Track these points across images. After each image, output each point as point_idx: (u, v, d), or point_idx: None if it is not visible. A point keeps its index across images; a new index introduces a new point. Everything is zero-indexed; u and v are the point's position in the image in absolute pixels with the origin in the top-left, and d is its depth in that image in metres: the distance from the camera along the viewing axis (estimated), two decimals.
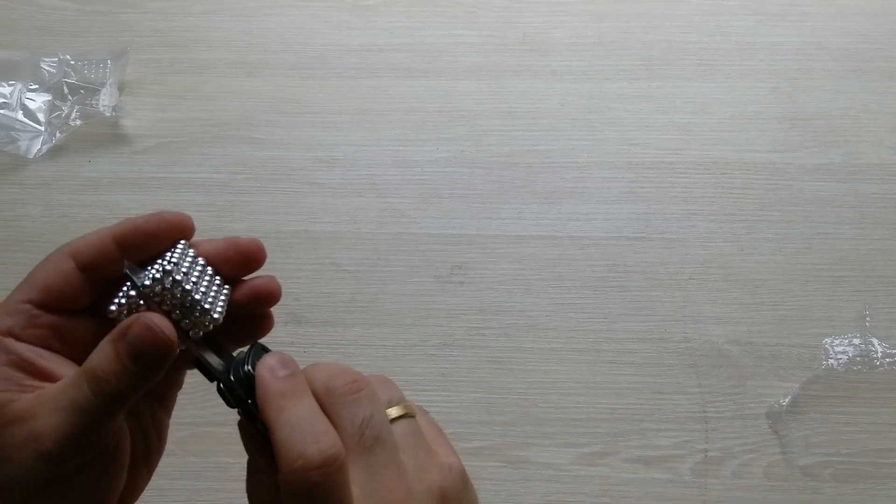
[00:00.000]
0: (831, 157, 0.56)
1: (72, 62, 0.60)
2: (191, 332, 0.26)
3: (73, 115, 0.59)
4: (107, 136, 0.59)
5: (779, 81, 0.59)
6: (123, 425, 0.27)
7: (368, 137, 0.58)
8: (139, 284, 0.25)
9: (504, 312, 0.51)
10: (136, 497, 0.29)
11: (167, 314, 0.25)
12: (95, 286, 0.27)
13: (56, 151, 0.58)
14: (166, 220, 0.26)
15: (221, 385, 0.26)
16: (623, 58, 0.60)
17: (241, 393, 0.25)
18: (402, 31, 0.62)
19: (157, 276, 0.25)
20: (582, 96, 0.59)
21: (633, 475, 0.47)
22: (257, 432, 0.25)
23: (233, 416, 0.29)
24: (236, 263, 0.27)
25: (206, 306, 0.26)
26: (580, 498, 0.46)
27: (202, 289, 0.26)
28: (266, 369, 0.26)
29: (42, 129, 0.58)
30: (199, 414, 0.48)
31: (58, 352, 0.27)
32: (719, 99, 0.58)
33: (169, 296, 0.25)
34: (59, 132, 0.58)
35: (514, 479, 0.47)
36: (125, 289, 0.25)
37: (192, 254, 0.26)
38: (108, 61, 0.60)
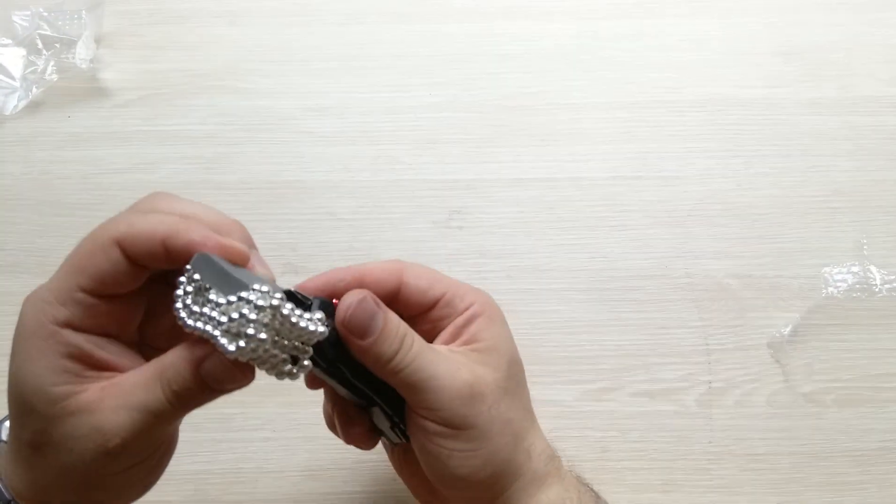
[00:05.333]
0: (825, 91, 0.56)
1: (45, 14, 0.57)
2: (302, 361, 0.27)
3: (49, 70, 0.56)
4: (85, 90, 0.56)
5: (771, 16, 0.58)
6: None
7: (359, 84, 0.56)
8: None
9: (505, 255, 0.51)
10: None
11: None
12: (142, 273, 0.27)
13: (33, 107, 0.56)
14: (225, 249, 0.26)
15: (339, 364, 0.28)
16: None
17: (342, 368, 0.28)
18: None
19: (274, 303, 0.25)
20: (575, 36, 0.58)
21: (639, 408, 0.47)
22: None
23: None
24: None
25: (310, 328, 0.27)
26: (587, 433, 0.47)
27: (298, 312, 0.26)
28: (359, 319, 0.29)
29: (17, 84, 0.56)
30: None
31: (114, 336, 0.27)
32: (713, 35, 0.58)
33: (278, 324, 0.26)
34: (36, 87, 0.56)
35: None
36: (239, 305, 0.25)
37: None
38: (83, 12, 0.57)
